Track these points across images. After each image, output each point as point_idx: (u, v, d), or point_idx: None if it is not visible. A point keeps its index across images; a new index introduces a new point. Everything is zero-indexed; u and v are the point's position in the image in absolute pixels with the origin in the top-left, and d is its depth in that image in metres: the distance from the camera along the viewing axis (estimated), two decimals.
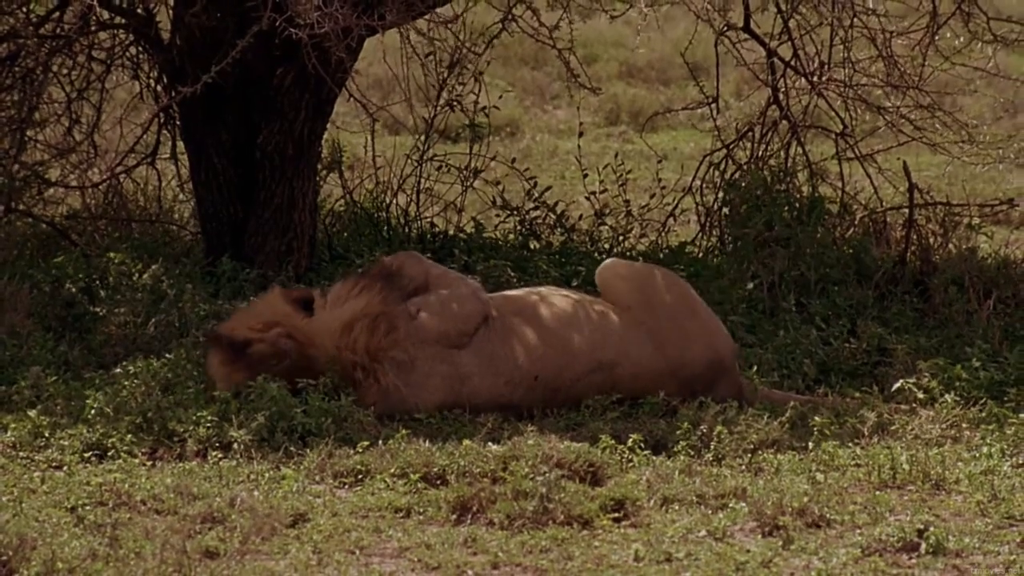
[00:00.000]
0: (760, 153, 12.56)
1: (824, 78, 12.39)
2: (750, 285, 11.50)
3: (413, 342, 9.94)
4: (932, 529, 7.98)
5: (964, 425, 9.54)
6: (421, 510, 8.43)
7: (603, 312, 10.30)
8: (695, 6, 11.90)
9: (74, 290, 11.07)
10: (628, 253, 12.41)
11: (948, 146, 13.25)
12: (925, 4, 12.29)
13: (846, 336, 10.87)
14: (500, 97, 14.76)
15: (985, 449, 9.19)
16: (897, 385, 9.94)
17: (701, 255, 12.30)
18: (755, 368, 10.28)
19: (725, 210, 12.25)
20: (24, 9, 11.48)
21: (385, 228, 12.91)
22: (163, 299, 10.86)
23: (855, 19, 11.78)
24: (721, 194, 12.42)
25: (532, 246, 12.56)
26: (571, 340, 10.12)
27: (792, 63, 12.48)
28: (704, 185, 12.66)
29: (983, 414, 9.66)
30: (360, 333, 9.86)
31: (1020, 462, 9.07)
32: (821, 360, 10.65)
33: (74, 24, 11.62)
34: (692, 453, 9.13)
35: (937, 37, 12.31)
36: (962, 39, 12.43)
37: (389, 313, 9.94)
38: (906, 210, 12.09)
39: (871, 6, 11.71)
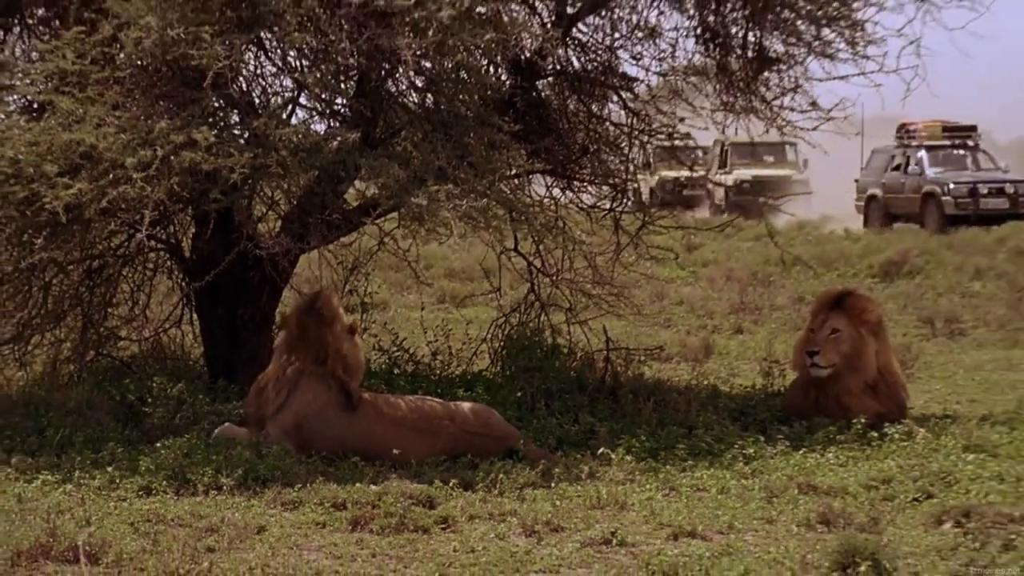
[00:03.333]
0: (524, 319, 12.49)
1: (559, 277, 12.38)
2: (519, 394, 11.41)
3: None
4: (618, 531, 8.00)
5: (637, 473, 9.52)
6: (332, 524, 8.35)
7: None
8: (485, 238, 11.95)
9: (133, 399, 10.91)
10: (449, 376, 12.34)
11: (627, 316, 13.37)
12: (613, 238, 12.38)
13: (572, 423, 10.78)
14: (375, 291, 14.77)
15: (648, 485, 9.19)
16: (601, 451, 9.91)
17: (492, 377, 12.20)
18: (523, 442, 10.23)
19: (505, 351, 12.19)
20: (107, 240, 11.43)
21: None
22: (184, 404, 10.70)
23: (575, 246, 11.81)
24: (503, 343, 12.34)
25: (395, 372, 12.44)
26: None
27: (541, 269, 12.46)
28: (493, 337, 12.55)
29: (647, 467, 9.66)
30: None
31: (666, 493, 9.10)
32: (558, 437, 10.57)
33: (135, 248, 11.54)
34: (486, 490, 9.05)
35: (620, 256, 12.40)
36: (634, 257, 12.52)
37: None
38: (604, 352, 12.10)
39: (584, 239, 11.73)
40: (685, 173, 38.34)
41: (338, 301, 10.50)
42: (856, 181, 37.05)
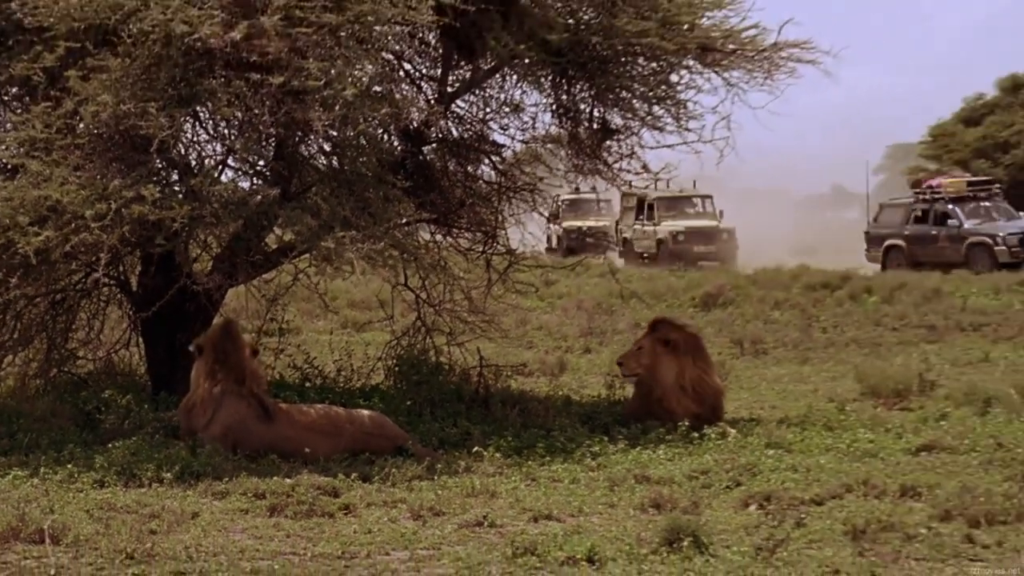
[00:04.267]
0: (413, 342, 12.48)
1: (441, 307, 12.40)
2: (408, 403, 11.39)
3: None
4: (489, 515, 8.03)
5: (504, 467, 9.53)
6: (253, 511, 8.31)
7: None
8: (382, 275, 11.95)
9: (89, 408, 10.82)
10: (351, 389, 12.26)
11: (497, 339, 13.39)
12: (485, 275, 12.40)
13: (451, 427, 10.77)
14: (291, 318, 14.66)
15: (513, 477, 9.22)
16: (475, 449, 9.91)
17: (386, 389, 12.15)
18: (411, 442, 10.17)
19: (397, 368, 12.16)
20: (69, 278, 11.31)
21: None
22: (132, 412, 10.64)
23: (454, 282, 11.85)
24: (395, 361, 12.30)
25: (306, 385, 12.39)
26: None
27: (427, 300, 12.46)
28: (387, 357, 12.52)
29: (513, 462, 9.67)
30: None
31: (528, 483, 9.11)
32: (440, 438, 10.53)
33: (92, 284, 11.42)
34: (381, 481, 9.02)
35: (491, 290, 12.42)
36: (502, 291, 12.56)
37: None
38: (478, 368, 12.09)
39: (462, 276, 11.77)
40: (590, 223, 36.91)
41: (240, 328, 10.50)
42: (866, 233, 34.09)
